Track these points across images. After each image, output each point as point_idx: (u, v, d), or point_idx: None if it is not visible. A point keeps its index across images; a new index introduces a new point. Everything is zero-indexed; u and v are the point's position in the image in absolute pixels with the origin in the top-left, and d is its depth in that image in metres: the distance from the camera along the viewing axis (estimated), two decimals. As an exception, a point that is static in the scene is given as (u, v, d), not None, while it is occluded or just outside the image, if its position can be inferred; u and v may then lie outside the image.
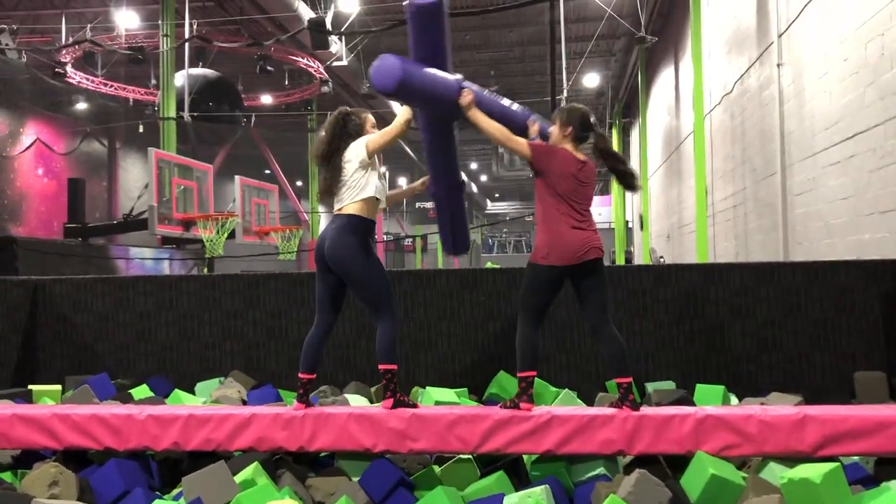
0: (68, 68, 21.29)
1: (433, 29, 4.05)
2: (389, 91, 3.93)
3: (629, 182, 4.08)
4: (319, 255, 4.06)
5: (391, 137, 4.02)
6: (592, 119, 4.07)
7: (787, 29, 9.40)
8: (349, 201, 4.02)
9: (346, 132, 4.10)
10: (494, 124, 4.00)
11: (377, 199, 4.05)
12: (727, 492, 3.47)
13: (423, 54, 4.11)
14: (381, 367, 3.97)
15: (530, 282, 3.94)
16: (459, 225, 4.76)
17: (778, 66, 9.69)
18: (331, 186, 4.08)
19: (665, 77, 19.98)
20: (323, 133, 4.19)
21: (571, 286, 3.99)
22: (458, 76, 4.29)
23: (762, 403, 4.67)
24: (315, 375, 4.13)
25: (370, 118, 4.25)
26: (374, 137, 4.06)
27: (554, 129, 4.06)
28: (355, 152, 4.03)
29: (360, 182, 4.01)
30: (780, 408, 3.93)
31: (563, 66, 14.33)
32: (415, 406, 3.99)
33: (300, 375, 4.07)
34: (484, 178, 46.35)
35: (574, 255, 3.84)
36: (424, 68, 4.09)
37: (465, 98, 4.07)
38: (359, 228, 4.00)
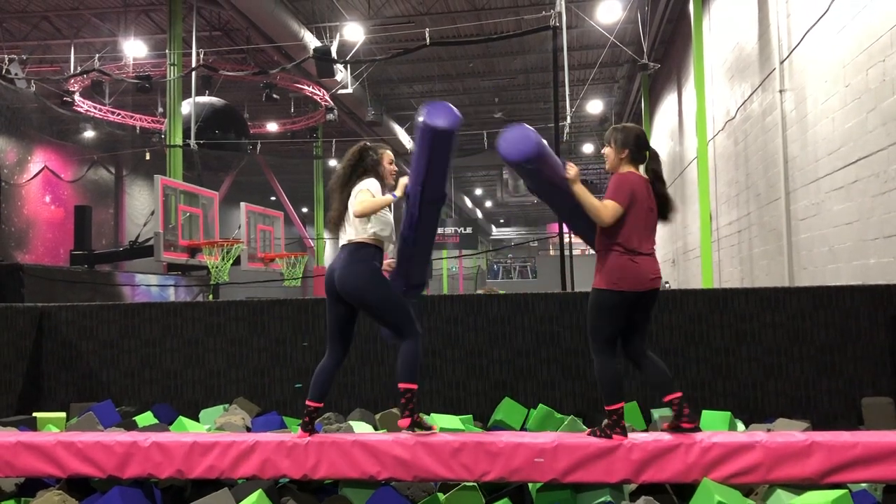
0: (76, 97, 21.50)
1: (444, 149, 3.95)
2: (517, 161, 3.79)
3: (667, 211, 4.00)
4: (329, 286, 4.06)
5: (362, 212, 3.97)
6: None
7: (788, 55, 9.47)
8: (354, 236, 4.05)
9: (363, 166, 4.14)
10: (591, 199, 3.86)
11: (384, 237, 4.08)
12: (734, 519, 3.44)
13: (427, 168, 4.00)
14: (400, 385, 3.96)
15: (601, 310, 3.84)
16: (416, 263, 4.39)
17: (780, 91, 9.74)
18: (340, 217, 4.12)
19: (668, 103, 20.09)
20: (340, 165, 4.24)
21: (629, 314, 3.89)
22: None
23: (769, 430, 4.64)
24: (322, 405, 4.11)
25: (388, 155, 4.27)
26: (362, 202, 3.98)
27: (609, 151, 3.98)
28: (357, 194, 4.06)
29: (359, 221, 4.04)
30: (787, 434, 3.90)
31: (567, 92, 14.40)
32: (431, 429, 3.97)
33: (308, 403, 4.06)
34: (489, 203, 46.44)
35: (646, 281, 3.80)
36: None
37: (572, 171, 3.92)
38: (366, 255, 4.01)
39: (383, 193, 4.10)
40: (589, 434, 3.88)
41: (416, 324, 4.02)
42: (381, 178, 4.18)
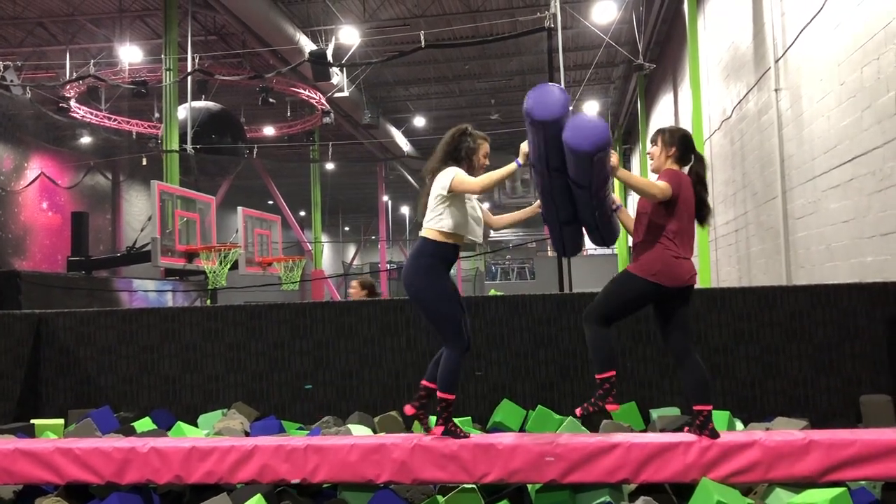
0: (72, 103, 21.49)
1: (551, 132, 3.64)
2: (589, 151, 3.54)
3: (705, 215, 4.01)
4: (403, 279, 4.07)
5: (482, 187, 3.86)
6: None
7: (783, 54, 9.48)
8: (426, 226, 3.97)
9: (458, 151, 4.02)
10: (640, 178, 3.88)
11: (456, 233, 3.95)
12: (734, 519, 3.44)
13: (538, 147, 3.76)
14: (437, 394, 3.93)
15: (626, 292, 3.86)
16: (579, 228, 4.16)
17: (776, 90, 9.75)
18: (424, 205, 4.03)
19: (664, 103, 20.10)
20: (437, 149, 4.11)
21: (659, 310, 3.91)
22: None
23: (767, 428, 4.64)
24: (454, 397, 3.99)
25: (485, 146, 4.13)
26: (465, 179, 3.89)
27: (656, 151, 4.01)
28: (442, 181, 3.94)
29: (439, 210, 3.93)
30: (786, 433, 3.91)
31: (563, 93, 14.41)
32: (467, 436, 3.93)
33: (439, 394, 3.94)
34: (487, 205, 46.46)
35: (683, 278, 3.81)
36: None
37: (614, 159, 3.87)
38: (432, 252, 3.92)
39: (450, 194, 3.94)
40: (581, 412, 3.86)
41: (462, 335, 3.92)
42: (472, 169, 4.03)
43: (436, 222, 3.94)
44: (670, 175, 3.89)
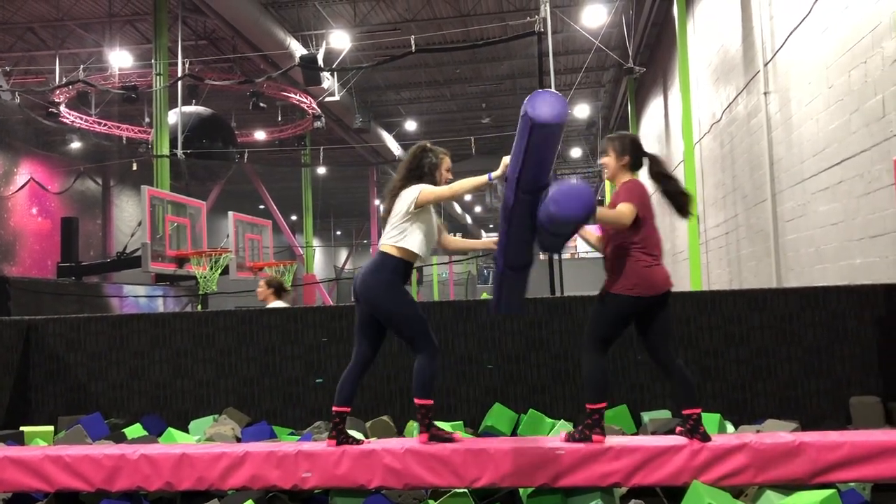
0: (62, 108, 21.41)
1: (546, 141, 3.51)
2: (578, 219, 3.45)
3: (684, 204, 3.98)
4: (353, 287, 4.07)
5: (453, 192, 3.91)
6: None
7: (772, 57, 9.53)
8: (387, 242, 3.98)
9: (419, 171, 4.02)
10: (608, 212, 3.85)
11: (416, 253, 3.97)
12: (725, 521, 3.45)
13: (524, 157, 3.58)
14: (416, 401, 3.93)
15: (611, 313, 3.86)
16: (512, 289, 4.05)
17: (765, 94, 9.80)
18: (384, 220, 4.05)
19: (654, 107, 20.18)
20: (399, 168, 4.13)
21: (639, 321, 3.91)
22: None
23: (758, 431, 4.66)
24: (350, 409, 4.05)
25: (447, 161, 4.14)
26: (432, 189, 3.93)
27: (609, 160, 4.00)
28: (407, 198, 3.95)
29: (403, 227, 3.95)
30: (776, 435, 3.92)
31: (553, 97, 14.45)
32: (452, 440, 3.93)
33: (334, 409, 4.00)
34: (478, 209, 46.52)
35: (661, 286, 3.83)
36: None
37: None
38: (393, 268, 3.95)
39: (417, 209, 3.96)
40: (567, 439, 3.86)
41: (433, 340, 3.94)
42: (435, 185, 4.03)
43: (398, 239, 3.95)
44: (627, 191, 3.87)
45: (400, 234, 3.95)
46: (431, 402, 3.94)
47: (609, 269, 3.92)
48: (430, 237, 4.03)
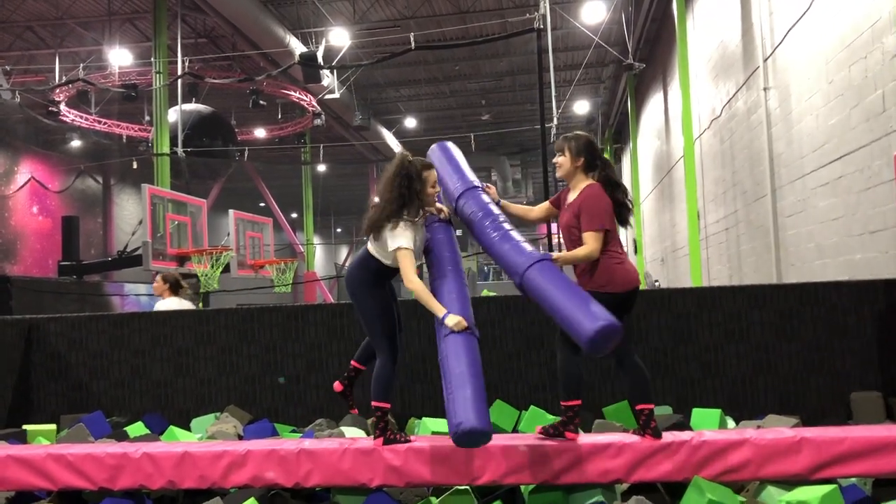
0: (62, 107, 21.41)
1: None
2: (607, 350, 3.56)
3: (626, 216, 4.01)
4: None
5: (411, 288, 3.85)
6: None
7: (772, 53, 9.53)
8: (378, 246, 3.95)
9: (401, 197, 3.88)
10: (575, 254, 3.87)
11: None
12: (726, 517, 3.46)
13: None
14: (373, 403, 3.95)
15: None
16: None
17: (765, 89, 9.80)
18: (368, 233, 3.98)
19: (654, 102, 20.17)
20: (380, 191, 4.02)
21: None
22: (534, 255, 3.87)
23: (759, 426, 4.67)
24: (389, 405, 4.00)
25: (432, 175, 4.03)
26: (406, 268, 3.83)
27: (564, 160, 4.00)
28: (388, 244, 3.86)
29: (379, 241, 3.93)
30: (777, 430, 3.93)
31: (553, 94, 14.45)
32: (408, 441, 3.96)
33: (373, 404, 3.97)
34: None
35: (631, 282, 3.86)
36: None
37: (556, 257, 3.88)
38: (376, 270, 3.96)
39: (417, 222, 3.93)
40: (541, 433, 3.86)
41: (394, 347, 3.97)
42: (422, 206, 3.95)
43: (382, 252, 3.92)
44: (594, 213, 3.83)
45: (385, 253, 3.92)
46: (388, 405, 3.95)
47: (579, 268, 3.93)
48: (415, 255, 3.97)
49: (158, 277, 7.28)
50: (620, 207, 3.98)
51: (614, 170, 4.12)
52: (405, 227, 3.84)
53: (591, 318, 3.46)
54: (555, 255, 3.87)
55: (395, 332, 4.02)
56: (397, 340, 4.03)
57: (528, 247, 3.90)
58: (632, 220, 4.08)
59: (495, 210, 4.14)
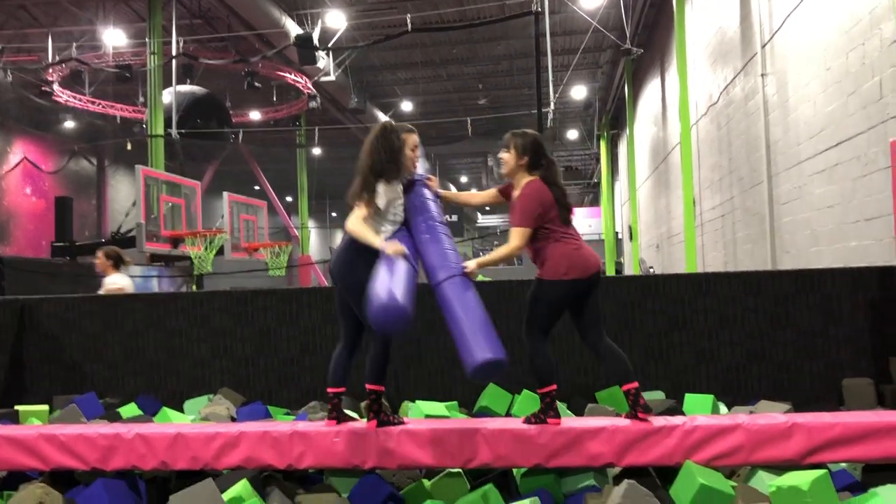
0: (55, 87, 21.26)
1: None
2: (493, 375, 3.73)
3: (566, 216, 3.96)
4: (330, 269, 4.05)
5: (353, 233, 3.82)
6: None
7: (770, 39, 9.49)
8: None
9: (380, 160, 3.85)
10: (496, 255, 4.00)
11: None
12: (717, 501, 3.47)
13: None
14: (367, 386, 3.93)
15: (549, 299, 3.87)
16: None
17: (762, 76, 9.77)
18: (350, 206, 3.93)
19: (652, 88, 20.11)
20: (364, 150, 3.96)
21: (573, 305, 3.93)
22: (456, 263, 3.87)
23: (751, 412, 4.68)
24: (344, 389, 4.04)
25: (412, 138, 4.01)
26: (355, 224, 3.82)
27: (508, 157, 3.99)
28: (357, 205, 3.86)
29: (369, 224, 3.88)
30: (769, 416, 3.94)
31: (550, 78, 14.41)
32: (401, 423, 3.95)
33: (328, 390, 4.02)
34: (474, 191, 46.50)
35: (593, 267, 3.87)
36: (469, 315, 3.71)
37: (470, 267, 3.88)
38: (358, 248, 3.86)
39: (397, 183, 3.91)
40: (524, 422, 3.88)
41: None
42: (399, 169, 3.91)
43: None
44: (523, 211, 3.85)
45: (372, 225, 3.89)
46: (382, 388, 3.94)
47: (538, 258, 3.93)
48: (393, 224, 3.92)
49: (100, 254, 7.11)
50: (561, 207, 3.93)
51: (557, 172, 4.07)
52: (380, 186, 3.82)
53: (481, 349, 3.54)
54: (472, 263, 3.88)
55: None
56: None
57: (452, 255, 3.88)
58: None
59: (432, 207, 4.05)
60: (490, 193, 4.35)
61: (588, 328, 3.93)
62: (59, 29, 19.65)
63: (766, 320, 5.45)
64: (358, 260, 3.84)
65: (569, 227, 3.93)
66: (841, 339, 5.38)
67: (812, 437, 3.63)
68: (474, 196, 4.59)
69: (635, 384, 3.86)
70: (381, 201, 3.83)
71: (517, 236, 3.86)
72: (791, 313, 5.44)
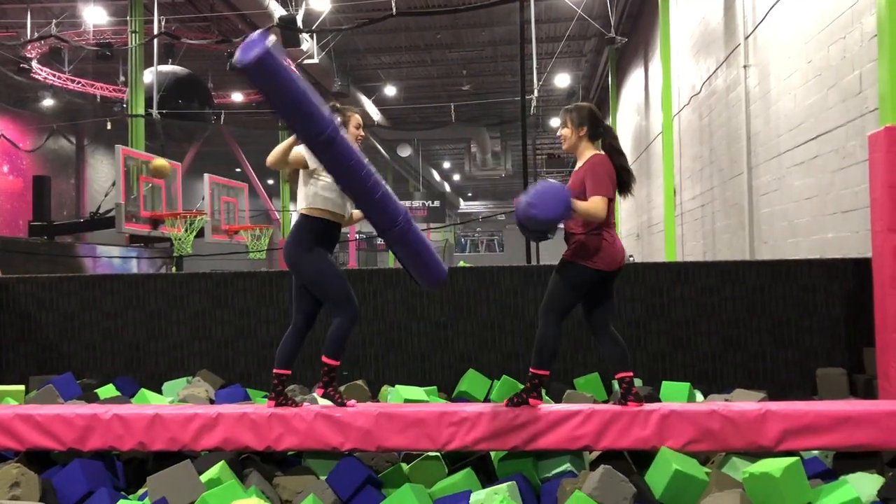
0: (34, 64, 20.92)
1: (269, 79, 3.41)
2: (558, 218, 3.70)
3: (628, 181, 3.99)
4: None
5: (276, 156, 3.89)
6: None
7: (753, 31, 9.54)
8: (301, 204, 4.00)
9: None
10: (590, 207, 3.79)
11: (330, 210, 3.95)
12: (691, 487, 3.52)
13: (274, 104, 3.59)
14: (323, 358, 3.97)
15: (572, 282, 3.87)
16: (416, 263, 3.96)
17: (744, 67, 9.82)
18: (294, 183, 4.09)
19: (635, 78, 20.15)
20: None
21: (591, 292, 3.93)
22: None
23: (727, 400, 4.75)
24: (290, 372, 4.09)
25: (356, 118, 4.14)
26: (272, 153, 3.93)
27: (567, 132, 4.00)
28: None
29: (304, 188, 3.98)
30: (743, 404, 4.00)
31: (535, 66, 14.40)
32: (345, 404, 3.99)
33: (274, 370, 4.05)
34: (457, 177, 46.40)
35: (620, 260, 3.90)
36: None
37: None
38: (309, 228, 3.94)
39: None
40: (507, 404, 3.91)
41: (350, 303, 3.95)
42: None
43: (303, 200, 3.99)
44: (599, 178, 3.83)
45: (304, 197, 3.98)
46: (338, 363, 4.00)
47: (573, 240, 3.94)
48: (327, 188, 3.94)
49: None
50: (623, 172, 3.97)
51: (617, 138, 4.09)
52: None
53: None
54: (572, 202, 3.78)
55: (349, 289, 3.97)
56: (354, 297, 3.99)
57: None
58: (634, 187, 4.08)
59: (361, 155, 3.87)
60: None
61: (597, 314, 3.95)
62: (37, 5, 19.32)
63: (743, 310, 5.52)
64: (305, 241, 3.92)
65: (611, 214, 3.90)
66: (815, 329, 5.46)
67: (785, 425, 3.70)
68: None
69: (630, 373, 3.90)
70: (312, 162, 3.91)
71: (601, 205, 3.78)
72: (767, 303, 5.51)
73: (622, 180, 3.98)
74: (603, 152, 3.97)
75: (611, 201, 3.86)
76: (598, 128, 4.01)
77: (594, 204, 3.80)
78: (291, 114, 3.51)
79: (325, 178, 3.92)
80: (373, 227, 3.92)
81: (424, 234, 4.00)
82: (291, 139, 3.84)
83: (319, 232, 3.95)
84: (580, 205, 3.79)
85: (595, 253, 3.84)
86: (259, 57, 3.31)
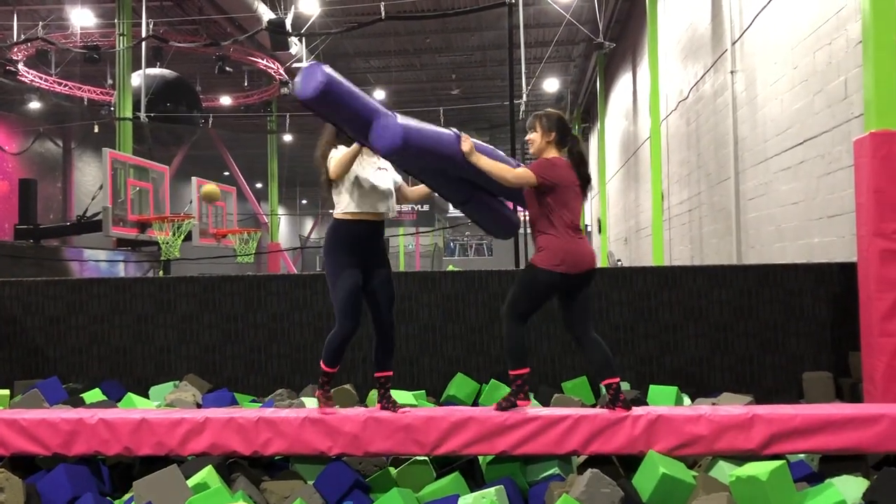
0: (20, 66, 20.80)
1: (334, 105, 3.70)
2: (396, 149, 3.71)
3: (587, 191, 4.07)
4: None
5: (333, 173, 3.94)
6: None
7: (740, 37, 9.60)
8: (335, 210, 4.05)
9: (342, 135, 4.03)
10: (495, 164, 3.92)
11: (359, 211, 3.98)
12: (678, 490, 3.53)
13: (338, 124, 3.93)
14: (321, 363, 4.06)
15: (532, 286, 3.89)
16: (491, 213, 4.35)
17: (732, 73, 9.88)
18: (327, 189, 4.07)
19: (623, 83, 20.23)
20: (321, 138, 4.15)
21: (564, 297, 3.95)
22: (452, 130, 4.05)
23: (714, 403, 4.77)
24: (391, 373, 4.19)
25: None
26: (334, 162, 3.95)
27: (535, 137, 4.03)
28: (329, 161, 4.00)
29: (335, 197, 4.03)
30: (730, 408, 4.02)
31: (523, 70, 14.42)
32: (334, 409, 4.03)
33: (375, 374, 4.18)
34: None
35: (585, 264, 3.88)
36: (421, 125, 3.85)
37: (466, 145, 3.92)
38: (340, 231, 4.00)
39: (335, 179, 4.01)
40: (496, 408, 3.92)
41: (352, 318, 3.96)
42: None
43: (337, 206, 4.03)
44: (541, 165, 3.91)
45: (337, 205, 4.03)
46: (333, 370, 4.04)
47: (537, 242, 3.98)
48: (368, 191, 3.98)
49: None
50: (585, 182, 4.02)
51: (582, 146, 4.15)
52: (339, 149, 3.99)
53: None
54: (468, 146, 3.93)
55: (356, 304, 3.98)
56: (358, 314, 4.00)
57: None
58: (594, 197, 4.13)
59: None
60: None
61: (575, 321, 3.95)
62: (24, 7, 19.22)
63: (730, 314, 5.54)
64: (329, 245, 4.00)
65: (575, 218, 3.92)
66: (802, 334, 5.49)
67: (772, 429, 3.71)
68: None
69: (617, 379, 3.90)
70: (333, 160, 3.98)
71: (515, 172, 3.89)
72: (754, 307, 5.54)
73: (582, 188, 4.01)
74: (561, 156, 3.99)
75: (557, 201, 3.86)
76: (565, 135, 4.04)
77: (509, 169, 3.91)
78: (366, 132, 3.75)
79: (367, 180, 3.98)
80: (449, 201, 4.21)
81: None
82: (356, 147, 3.88)
83: (346, 236, 3.99)
84: (483, 160, 3.90)
85: (556, 256, 3.84)
86: (321, 90, 3.53)
